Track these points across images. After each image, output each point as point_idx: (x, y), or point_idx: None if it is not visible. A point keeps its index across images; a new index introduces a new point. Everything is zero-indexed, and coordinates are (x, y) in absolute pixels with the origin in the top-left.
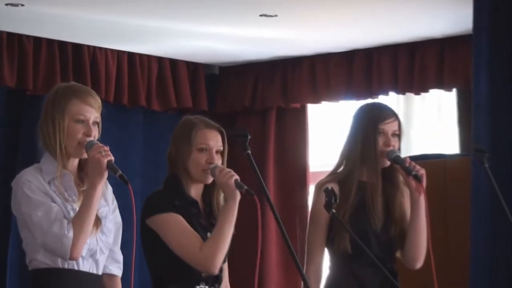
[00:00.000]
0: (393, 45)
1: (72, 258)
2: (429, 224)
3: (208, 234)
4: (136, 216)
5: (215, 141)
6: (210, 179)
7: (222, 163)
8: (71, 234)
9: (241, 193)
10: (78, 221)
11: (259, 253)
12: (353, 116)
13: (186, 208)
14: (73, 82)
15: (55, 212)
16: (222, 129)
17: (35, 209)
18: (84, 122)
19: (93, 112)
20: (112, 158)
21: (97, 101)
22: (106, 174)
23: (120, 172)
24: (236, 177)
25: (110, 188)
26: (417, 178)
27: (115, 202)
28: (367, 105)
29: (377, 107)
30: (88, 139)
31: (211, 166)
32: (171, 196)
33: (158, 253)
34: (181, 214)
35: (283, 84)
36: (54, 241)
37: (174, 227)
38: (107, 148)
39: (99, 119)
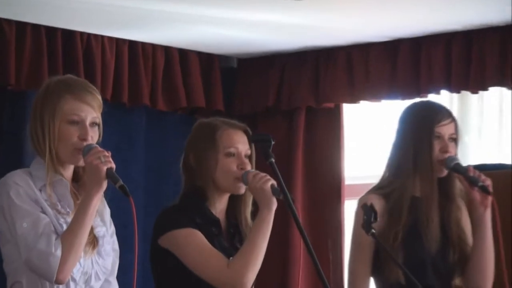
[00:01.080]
0: (445, 34)
1: (58, 281)
2: (501, 244)
3: (231, 258)
4: (139, 236)
5: (242, 143)
6: (243, 189)
7: (252, 169)
8: (59, 252)
9: (278, 200)
10: (68, 237)
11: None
12: (400, 118)
13: (206, 227)
14: (68, 75)
15: (44, 225)
16: (248, 129)
17: (21, 219)
18: (79, 123)
19: (90, 112)
20: (113, 165)
21: (95, 98)
22: (105, 184)
23: (121, 182)
24: (273, 182)
25: (108, 210)
26: (485, 190)
27: (112, 227)
28: (418, 104)
29: (430, 107)
30: (85, 143)
31: (243, 172)
32: (190, 212)
33: (173, 278)
34: (202, 233)
35: (313, 79)
36: (39, 259)
37: (195, 243)
38: (108, 153)
39: (98, 120)
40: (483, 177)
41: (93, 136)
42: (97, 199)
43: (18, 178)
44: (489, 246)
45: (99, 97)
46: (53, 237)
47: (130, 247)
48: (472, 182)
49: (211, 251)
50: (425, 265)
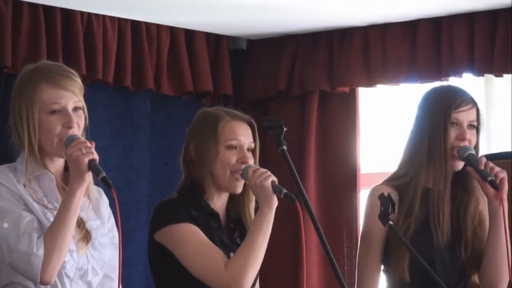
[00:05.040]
0: (468, 14)
1: (43, 282)
2: (507, 241)
3: (231, 254)
4: (143, 229)
5: (245, 136)
6: (240, 188)
7: (254, 164)
8: (41, 252)
9: (278, 198)
10: (50, 235)
11: (304, 276)
12: (418, 103)
13: (204, 220)
14: (43, 61)
15: (25, 224)
16: (252, 121)
17: (1, 219)
18: (61, 111)
19: (70, 97)
20: (96, 157)
21: (74, 81)
22: (87, 177)
23: (103, 174)
24: (274, 178)
25: (106, 201)
26: (495, 186)
27: (112, 220)
28: (436, 88)
29: (449, 91)
30: (70, 131)
31: (242, 168)
32: (186, 205)
33: (171, 277)
34: (199, 227)
35: (328, 62)
36: (20, 260)
37: (191, 240)
38: (90, 144)
39: (81, 104)
40: (496, 169)
41: (79, 122)
42: (80, 193)
43: (0, 176)
44: (502, 242)
45: (79, 80)
46: (35, 236)
47: (132, 239)
48: (482, 175)
49: (208, 249)
50: (434, 260)
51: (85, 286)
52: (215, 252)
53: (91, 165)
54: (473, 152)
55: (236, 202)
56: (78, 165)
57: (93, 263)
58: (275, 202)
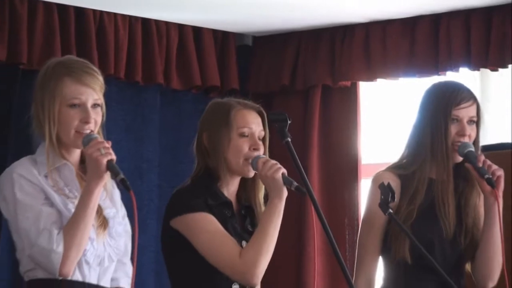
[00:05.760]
0: (465, 10)
1: (62, 275)
2: (502, 236)
3: (244, 242)
4: (154, 218)
5: (256, 124)
6: (252, 172)
7: (264, 152)
8: (60, 249)
9: (288, 190)
10: (69, 231)
11: (315, 264)
12: (422, 97)
13: (219, 209)
14: (68, 56)
15: (45, 218)
16: (262, 110)
17: (23, 212)
18: (80, 106)
19: (91, 94)
20: (114, 157)
21: (96, 79)
22: (105, 177)
23: (121, 175)
24: (284, 170)
25: (117, 192)
26: (491, 183)
27: (123, 209)
28: (438, 85)
29: (449, 88)
30: (87, 126)
31: (254, 155)
32: (203, 194)
33: (183, 261)
34: (213, 215)
35: (330, 57)
36: (40, 255)
37: (208, 229)
38: (108, 144)
39: (100, 101)
40: (493, 167)
41: (96, 118)
42: (98, 192)
43: (21, 169)
44: (497, 236)
45: (100, 78)
46: (55, 232)
47: (143, 228)
48: (480, 173)
49: (224, 239)
50: (433, 245)
51: (102, 273)
52: (230, 242)
53: (110, 166)
54: (473, 149)
55: (246, 190)
56: (97, 166)
57: (109, 251)
58: (285, 194)
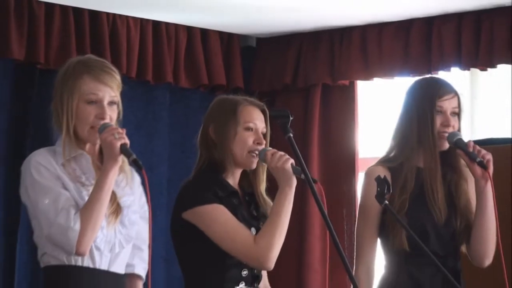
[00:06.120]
0: (456, 14)
1: (78, 253)
2: (496, 216)
3: (252, 229)
4: (164, 208)
5: (260, 120)
6: (255, 164)
7: (266, 147)
8: (77, 226)
9: (297, 178)
10: (86, 212)
11: (328, 252)
12: (406, 93)
13: (228, 199)
14: (88, 55)
15: (63, 201)
16: (265, 108)
17: (43, 196)
18: (97, 102)
19: (107, 91)
20: (127, 141)
21: (114, 78)
22: (119, 159)
23: (134, 156)
24: (292, 161)
25: (137, 179)
26: (483, 166)
27: (143, 197)
28: (422, 79)
29: (433, 82)
30: (102, 122)
31: (260, 148)
32: (211, 186)
33: (195, 251)
34: (225, 206)
35: (329, 58)
36: (58, 233)
37: (222, 220)
38: (122, 130)
39: (117, 99)
40: (482, 152)
41: (112, 115)
42: (113, 174)
43: (40, 157)
44: (490, 217)
45: (118, 77)
46: (72, 212)
47: (153, 218)
48: (471, 157)
49: (237, 227)
50: (428, 231)
51: (113, 259)
52: (243, 230)
53: (123, 149)
54: (461, 137)
55: (248, 180)
56: (111, 148)
57: (120, 237)
58: (294, 183)
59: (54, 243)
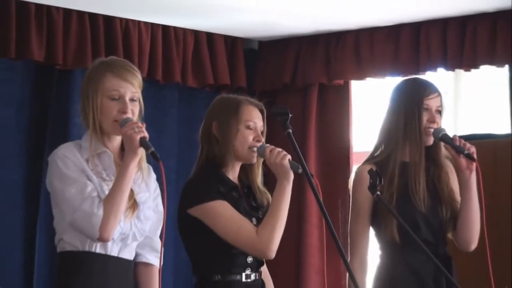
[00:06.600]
0: (442, 19)
1: (101, 239)
2: (483, 203)
3: (253, 219)
4: (171, 197)
5: (259, 119)
6: (255, 159)
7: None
8: (100, 212)
9: (294, 173)
10: (108, 200)
11: (325, 239)
12: (393, 91)
13: (229, 193)
14: (112, 57)
15: (89, 190)
16: (263, 108)
17: (69, 185)
18: (119, 98)
19: (129, 88)
20: (146, 135)
21: (135, 76)
22: (139, 152)
23: (152, 149)
24: (289, 156)
25: (153, 176)
26: (470, 157)
27: (157, 190)
28: (409, 80)
29: (420, 82)
30: (124, 116)
31: (259, 145)
32: (214, 183)
33: (203, 243)
34: (226, 200)
35: (325, 59)
36: (82, 219)
37: (225, 215)
38: (142, 125)
39: (138, 95)
40: (468, 145)
41: (133, 109)
42: (133, 165)
43: (66, 151)
44: (475, 205)
45: (139, 76)
46: (96, 200)
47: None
48: (458, 150)
49: (240, 221)
50: (418, 222)
51: (124, 248)
52: (246, 223)
53: (142, 142)
54: (446, 132)
55: (246, 174)
56: (131, 141)
57: (135, 230)
58: (292, 177)
59: (78, 229)
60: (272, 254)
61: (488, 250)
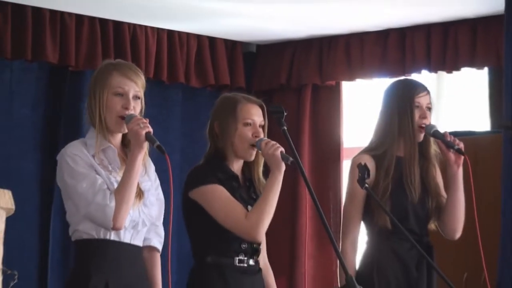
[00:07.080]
0: (426, 25)
1: (114, 227)
2: (473, 193)
3: (249, 207)
4: (177, 189)
5: (258, 115)
6: (252, 157)
7: (264, 137)
8: (113, 204)
9: (286, 164)
10: (119, 191)
11: (315, 228)
12: (385, 92)
13: (228, 181)
14: (119, 59)
15: (100, 184)
16: (262, 103)
17: (81, 181)
18: (123, 95)
19: (132, 86)
20: (151, 130)
21: (139, 76)
22: (145, 146)
23: (157, 142)
24: (282, 149)
25: (153, 167)
26: (460, 152)
27: (157, 180)
28: (400, 80)
29: (410, 82)
30: (127, 112)
31: (257, 139)
32: (214, 170)
33: (200, 225)
34: (224, 187)
35: (318, 62)
36: (97, 211)
37: (219, 198)
38: (146, 120)
39: (140, 94)
40: (457, 141)
41: (136, 107)
42: (140, 158)
43: (74, 149)
44: (461, 197)
45: (142, 77)
46: (108, 192)
47: (167, 199)
48: (449, 145)
49: (232, 204)
50: (408, 212)
51: (135, 234)
52: (237, 207)
53: (148, 136)
54: (437, 128)
55: (248, 167)
56: (137, 136)
57: (143, 217)
58: (283, 167)
59: (93, 221)
60: (259, 237)
61: (479, 238)
